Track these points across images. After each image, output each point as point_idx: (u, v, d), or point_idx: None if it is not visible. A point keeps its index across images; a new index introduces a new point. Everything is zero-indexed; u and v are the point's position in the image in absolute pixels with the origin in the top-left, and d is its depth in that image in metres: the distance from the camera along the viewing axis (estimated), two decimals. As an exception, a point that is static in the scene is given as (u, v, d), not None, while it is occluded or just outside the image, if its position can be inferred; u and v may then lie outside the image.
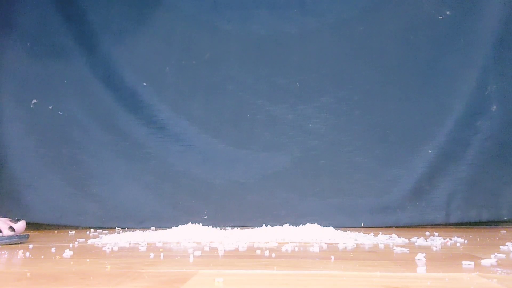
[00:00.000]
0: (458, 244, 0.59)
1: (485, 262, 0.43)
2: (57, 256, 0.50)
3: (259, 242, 0.59)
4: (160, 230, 0.76)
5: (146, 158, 0.91)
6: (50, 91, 0.91)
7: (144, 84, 0.92)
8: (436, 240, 0.61)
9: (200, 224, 0.77)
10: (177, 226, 0.74)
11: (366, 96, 0.93)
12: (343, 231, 0.71)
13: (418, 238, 0.64)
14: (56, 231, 0.87)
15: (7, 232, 0.63)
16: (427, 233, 0.74)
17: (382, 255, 0.49)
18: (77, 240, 0.67)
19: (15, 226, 0.64)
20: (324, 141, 0.92)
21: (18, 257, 0.51)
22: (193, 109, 0.93)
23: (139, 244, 0.59)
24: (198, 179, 0.90)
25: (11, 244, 0.63)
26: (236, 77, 0.94)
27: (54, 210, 0.88)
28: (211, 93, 0.94)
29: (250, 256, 0.49)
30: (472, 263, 0.42)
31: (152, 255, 0.49)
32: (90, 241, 0.65)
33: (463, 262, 0.42)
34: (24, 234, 0.65)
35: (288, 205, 0.90)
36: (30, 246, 0.62)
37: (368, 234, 0.69)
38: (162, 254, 0.50)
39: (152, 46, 0.95)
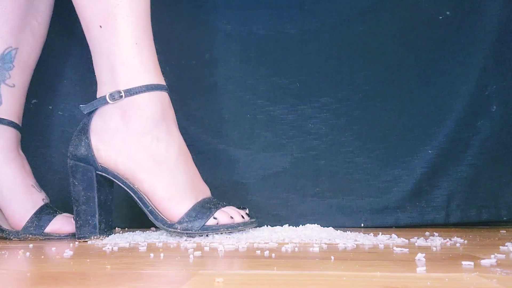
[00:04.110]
0: (458, 244, 0.59)
1: (485, 262, 0.43)
2: (57, 256, 0.50)
3: (259, 243, 0.59)
4: (160, 230, 0.76)
5: (146, 158, 0.91)
6: (50, 91, 0.91)
7: (144, 84, 0.92)
8: (436, 240, 0.61)
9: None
10: (177, 226, 0.74)
11: (366, 96, 0.93)
12: (343, 231, 0.71)
13: (418, 238, 0.64)
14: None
15: (239, 219, 0.65)
16: (427, 233, 0.74)
17: (382, 255, 0.49)
18: (77, 240, 0.67)
19: (243, 213, 0.67)
20: (324, 141, 0.92)
21: (18, 257, 0.51)
22: (193, 109, 0.93)
23: (139, 244, 0.59)
24: (198, 179, 0.90)
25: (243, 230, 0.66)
26: (236, 77, 0.94)
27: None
28: (211, 93, 0.94)
29: (250, 256, 0.49)
30: (472, 263, 0.42)
31: (152, 255, 0.49)
32: (90, 241, 0.65)
33: (463, 262, 0.42)
34: (253, 220, 0.68)
35: (288, 205, 0.90)
36: (30, 246, 0.62)
37: (368, 234, 0.69)
38: (162, 254, 0.50)
39: (152, 46, 0.94)
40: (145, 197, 0.65)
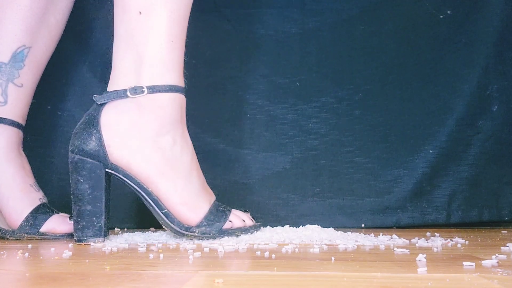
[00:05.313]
0: (459, 245, 0.59)
1: (486, 263, 0.43)
2: (56, 257, 0.50)
3: (259, 244, 0.59)
4: (160, 230, 0.76)
5: (146, 158, 0.91)
6: (48, 91, 0.91)
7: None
8: (437, 241, 0.61)
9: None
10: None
11: (366, 96, 0.93)
12: (344, 232, 0.71)
13: (418, 239, 0.63)
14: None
15: (249, 222, 0.66)
16: (428, 233, 0.74)
17: (383, 256, 0.49)
18: (77, 243, 0.67)
19: (246, 217, 0.67)
20: (324, 141, 0.92)
21: (17, 257, 0.50)
22: (193, 109, 0.93)
23: (138, 245, 0.59)
24: (198, 179, 0.90)
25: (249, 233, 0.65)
26: (236, 77, 0.94)
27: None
28: (211, 93, 0.94)
29: (250, 257, 0.49)
30: (473, 263, 0.42)
31: (151, 255, 0.49)
32: (92, 245, 0.65)
33: (464, 263, 0.42)
34: (260, 223, 0.68)
35: (288, 205, 0.90)
36: (29, 246, 0.62)
37: (369, 234, 0.69)
38: (161, 255, 0.50)
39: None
40: (159, 200, 0.63)
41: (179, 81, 0.64)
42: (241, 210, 0.69)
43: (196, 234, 0.62)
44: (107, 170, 0.62)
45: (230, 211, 0.65)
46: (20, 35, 0.73)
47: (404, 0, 0.93)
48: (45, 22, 0.76)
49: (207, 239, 0.62)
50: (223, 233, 0.63)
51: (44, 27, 0.76)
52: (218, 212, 0.64)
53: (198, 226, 0.62)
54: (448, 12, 0.92)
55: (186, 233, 0.63)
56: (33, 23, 0.74)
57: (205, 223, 0.62)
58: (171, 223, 0.62)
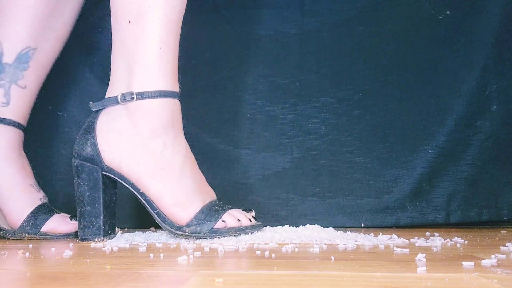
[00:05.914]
0: (458, 245, 0.59)
1: (486, 262, 0.43)
2: (56, 256, 0.50)
3: (259, 243, 0.59)
4: (160, 230, 0.76)
5: (146, 158, 0.91)
6: (49, 91, 0.91)
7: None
8: (436, 241, 0.61)
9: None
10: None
11: (366, 96, 0.93)
12: (343, 231, 0.71)
13: (418, 239, 0.64)
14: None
15: (246, 222, 0.65)
16: (427, 233, 0.74)
17: (382, 256, 0.49)
18: (77, 240, 0.67)
19: (249, 216, 0.67)
20: (324, 141, 0.92)
21: (18, 257, 0.51)
22: (193, 109, 0.93)
23: (139, 244, 0.59)
24: (198, 179, 0.90)
25: (250, 233, 0.65)
26: (236, 77, 0.94)
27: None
28: (211, 93, 0.94)
29: (250, 256, 0.49)
30: (473, 263, 0.42)
31: (151, 255, 0.49)
32: (93, 244, 0.65)
33: (463, 263, 0.42)
34: (260, 223, 0.68)
35: (288, 205, 0.90)
36: (30, 246, 0.62)
37: (368, 234, 0.69)
38: (162, 255, 0.50)
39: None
40: (151, 200, 0.64)
41: (171, 86, 0.65)
42: (246, 210, 0.69)
43: (187, 233, 0.62)
44: (104, 173, 0.65)
45: (225, 210, 0.65)
46: (25, 36, 0.73)
47: (404, 0, 0.94)
48: (51, 24, 0.76)
49: (199, 239, 0.63)
50: (214, 232, 0.63)
51: (50, 29, 0.76)
52: (211, 211, 0.64)
53: (188, 225, 0.63)
54: (447, 12, 0.92)
55: (177, 232, 0.63)
56: (38, 25, 0.74)
57: (195, 222, 0.63)
58: (163, 222, 0.64)
